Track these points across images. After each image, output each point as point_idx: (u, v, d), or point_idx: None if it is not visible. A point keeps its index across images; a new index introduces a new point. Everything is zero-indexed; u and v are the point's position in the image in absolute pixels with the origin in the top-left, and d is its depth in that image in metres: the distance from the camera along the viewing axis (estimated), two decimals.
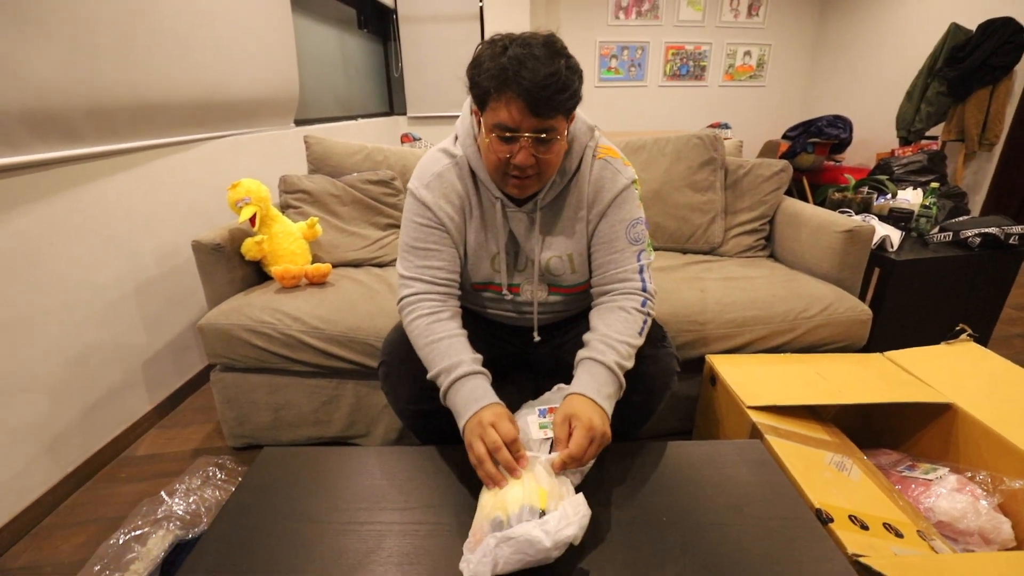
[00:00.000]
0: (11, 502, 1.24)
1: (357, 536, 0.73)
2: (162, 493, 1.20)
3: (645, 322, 0.93)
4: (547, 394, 0.92)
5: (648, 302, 0.94)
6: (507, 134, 0.81)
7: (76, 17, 1.31)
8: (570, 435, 0.76)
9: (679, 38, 4.85)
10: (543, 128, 0.80)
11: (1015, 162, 3.37)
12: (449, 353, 0.87)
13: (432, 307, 0.92)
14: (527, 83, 0.75)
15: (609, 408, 0.82)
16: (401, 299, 0.95)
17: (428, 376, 0.88)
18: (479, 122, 0.87)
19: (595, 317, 0.95)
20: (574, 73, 0.79)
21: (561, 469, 0.73)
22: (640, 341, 0.91)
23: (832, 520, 0.81)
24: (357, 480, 0.84)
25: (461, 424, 0.81)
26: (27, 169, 1.25)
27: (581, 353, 0.89)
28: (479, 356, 0.89)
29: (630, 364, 0.88)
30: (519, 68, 0.75)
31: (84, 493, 1.39)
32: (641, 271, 0.96)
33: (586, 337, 0.91)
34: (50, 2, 1.24)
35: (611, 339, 0.88)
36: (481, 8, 4.11)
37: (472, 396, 0.82)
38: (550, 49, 0.77)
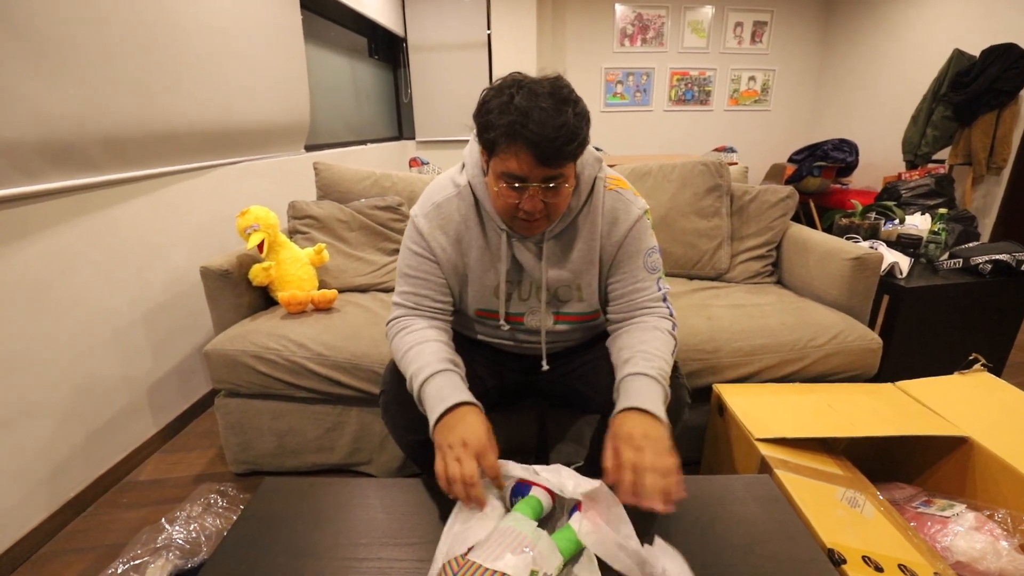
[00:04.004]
0: (13, 528, 1.24)
1: (357, 573, 0.71)
2: (163, 521, 1.20)
3: (675, 346, 0.93)
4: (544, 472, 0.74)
5: (676, 327, 0.94)
6: (516, 184, 0.81)
7: (93, 51, 1.36)
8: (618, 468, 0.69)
9: (684, 64, 4.92)
10: (552, 176, 0.80)
11: None
12: (416, 359, 0.86)
13: (408, 323, 0.94)
14: (535, 136, 0.74)
15: (663, 416, 0.77)
16: (387, 323, 0.97)
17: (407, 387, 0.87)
18: (487, 163, 0.86)
19: (628, 335, 0.92)
20: (582, 120, 0.78)
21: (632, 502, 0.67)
22: (671, 364, 0.89)
23: (845, 561, 0.79)
24: (358, 513, 0.83)
25: (431, 428, 0.78)
26: (42, 197, 1.28)
27: (623, 370, 0.85)
28: (454, 357, 0.88)
29: (667, 383, 0.85)
30: (526, 121, 0.74)
31: (85, 519, 1.39)
32: (664, 299, 0.96)
33: (622, 354, 0.88)
34: (68, 37, 1.29)
35: (649, 353, 0.86)
36: (489, 36, 4.20)
37: (439, 396, 0.79)
38: (557, 97, 0.76)
